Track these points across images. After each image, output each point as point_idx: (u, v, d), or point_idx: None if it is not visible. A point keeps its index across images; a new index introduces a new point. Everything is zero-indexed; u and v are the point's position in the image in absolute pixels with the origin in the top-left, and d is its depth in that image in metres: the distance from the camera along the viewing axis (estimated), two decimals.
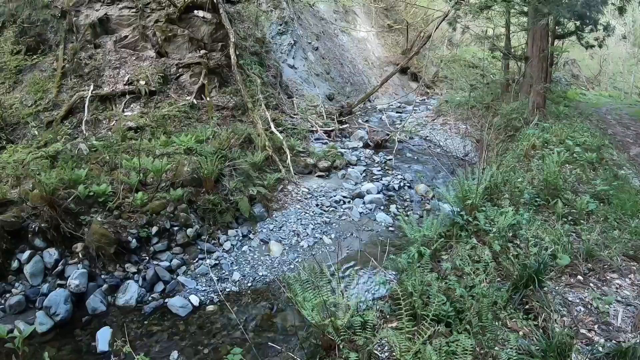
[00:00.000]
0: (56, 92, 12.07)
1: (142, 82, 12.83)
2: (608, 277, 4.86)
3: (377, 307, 4.77)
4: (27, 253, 7.09)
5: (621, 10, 14.50)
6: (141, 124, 11.73)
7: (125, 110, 12.40)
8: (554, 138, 10.83)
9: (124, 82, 12.85)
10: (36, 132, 10.95)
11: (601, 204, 6.91)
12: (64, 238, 7.45)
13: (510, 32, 18.61)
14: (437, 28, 20.52)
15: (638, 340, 3.80)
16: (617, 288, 4.68)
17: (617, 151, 11.22)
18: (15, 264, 7.04)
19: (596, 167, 9.11)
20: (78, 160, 9.53)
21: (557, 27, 14.93)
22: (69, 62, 12.64)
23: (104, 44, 13.64)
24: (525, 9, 15.44)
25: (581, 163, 9.07)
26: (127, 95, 12.63)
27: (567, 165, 9.01)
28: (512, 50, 18.23)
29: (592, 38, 15.45)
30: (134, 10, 13.94)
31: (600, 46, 15.78)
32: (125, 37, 13.79)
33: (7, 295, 6.80)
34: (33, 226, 7.31)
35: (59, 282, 7.03)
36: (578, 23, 14.11)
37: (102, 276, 7.35)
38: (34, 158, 9.32)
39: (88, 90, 12.19)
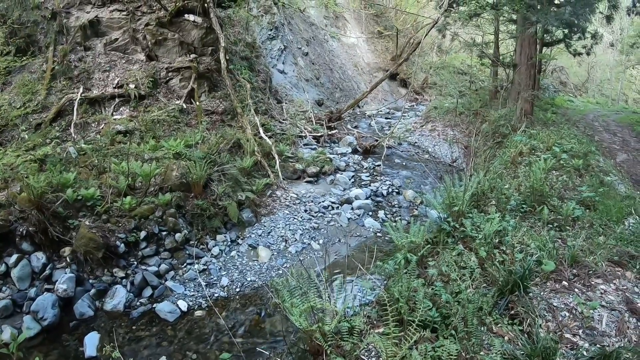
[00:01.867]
0: (45, 94, 11.97)
1: (132, 86, 12.80)
2: (593, 283, 4.93)
3: (364, 313, 4.79)
4: (15, 257, 7.02)
5: (609, 19, 14.72)
6: (130, 128, 11.68)
7: (114, 113, 12.36)
8: (541, 145, 10.96)
9: (114, 85, 12.80)
10: (25, 136, 10.87)
11: (587, 210, 7.01)
12: (52, 242, 7.41)
13: (499, 39, 18.81)
14: (426, 35, 20.62)
15: (622, 345, 3.86)
16: (601, 293, 4.74)
17: (604, 158, 11.37)
18: (2, 268, 6.96)
19: (582, 173, 9.24)
20: (66, 163, 9.48)
21: (545, 35, 15.08)
22: (59, 64, 12.57)
23: (94, 46, 13.59)
24: (514, 16, 15.65)
25: (568, 169, 9.19)
26: (116, 99, 12.59)
27: (554, 171, 9.12)
28: (501, 57, 18.38)
29: (580, 46, 15.63)
30: (124, 13, 13.90)
31: (588, 54, 15.98)
32: (116, 40, 13.74)
33: None
34: (21, 230, 7.26)
35: (46, 286, 6.97)
36: (566, 31, 14.27)
37: (90, 281, 7.31)
38: (23, 161, 9.26)
39: (77, 93, 12.11)
